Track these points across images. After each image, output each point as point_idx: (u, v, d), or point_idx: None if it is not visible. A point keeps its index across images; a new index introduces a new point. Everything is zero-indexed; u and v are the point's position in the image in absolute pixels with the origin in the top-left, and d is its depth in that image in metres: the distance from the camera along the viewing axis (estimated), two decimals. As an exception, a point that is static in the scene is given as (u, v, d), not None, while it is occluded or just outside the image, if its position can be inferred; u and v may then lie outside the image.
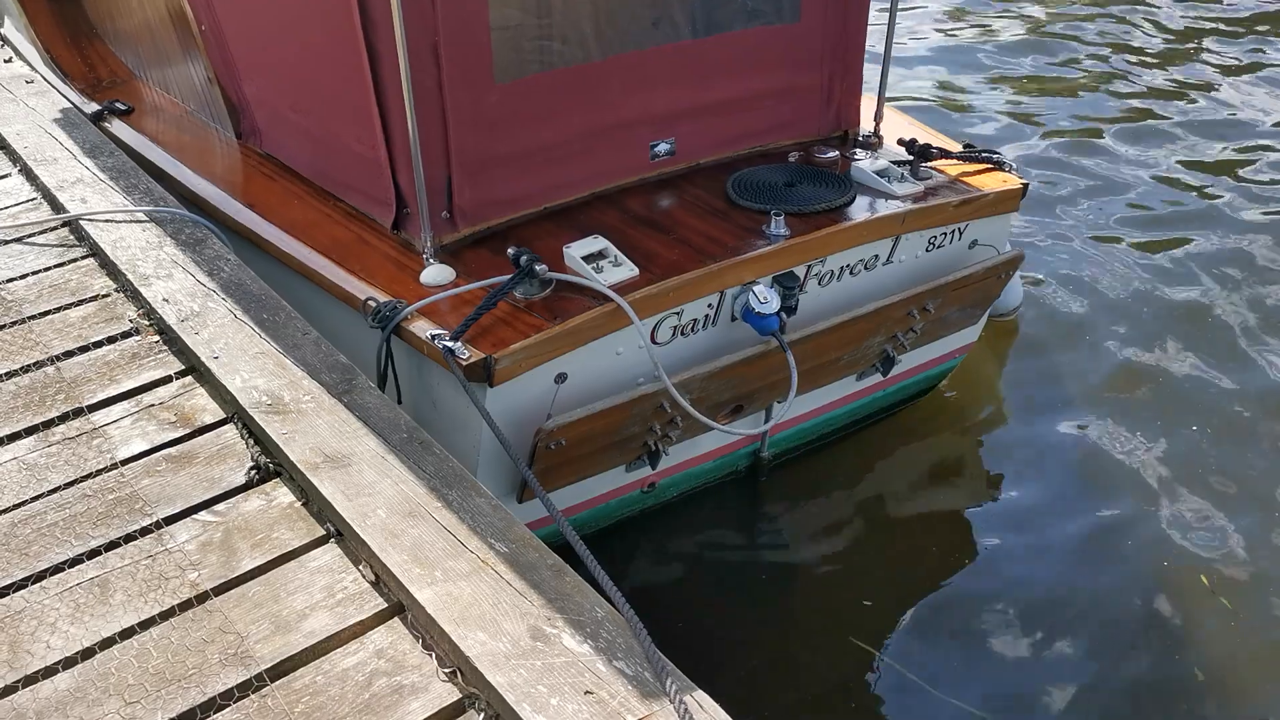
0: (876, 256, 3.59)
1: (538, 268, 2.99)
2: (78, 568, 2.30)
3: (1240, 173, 6.10)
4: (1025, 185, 3.79)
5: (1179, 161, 6.23)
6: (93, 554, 2.33)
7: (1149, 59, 7.65)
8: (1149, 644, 3.34)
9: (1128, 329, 4.75)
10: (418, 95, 3.00)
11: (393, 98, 3.12)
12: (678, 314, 3.20)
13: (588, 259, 3.12)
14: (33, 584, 2.26)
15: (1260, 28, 8.21)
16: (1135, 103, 6.98)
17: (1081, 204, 5.77)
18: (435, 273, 3.16)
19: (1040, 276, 5.11)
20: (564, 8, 3.22)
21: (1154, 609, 3.45)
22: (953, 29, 8.30)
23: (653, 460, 3.43)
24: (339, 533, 2.38)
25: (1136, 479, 3.95)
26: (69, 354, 2.99)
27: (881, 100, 4.02)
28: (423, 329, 2.94)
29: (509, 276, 2.99)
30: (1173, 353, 4.61)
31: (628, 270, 3.12)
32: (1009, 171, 3.83)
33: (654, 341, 3.20)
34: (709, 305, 3.25)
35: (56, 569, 2.30)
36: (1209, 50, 7.81)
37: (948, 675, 3.24)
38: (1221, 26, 8.26)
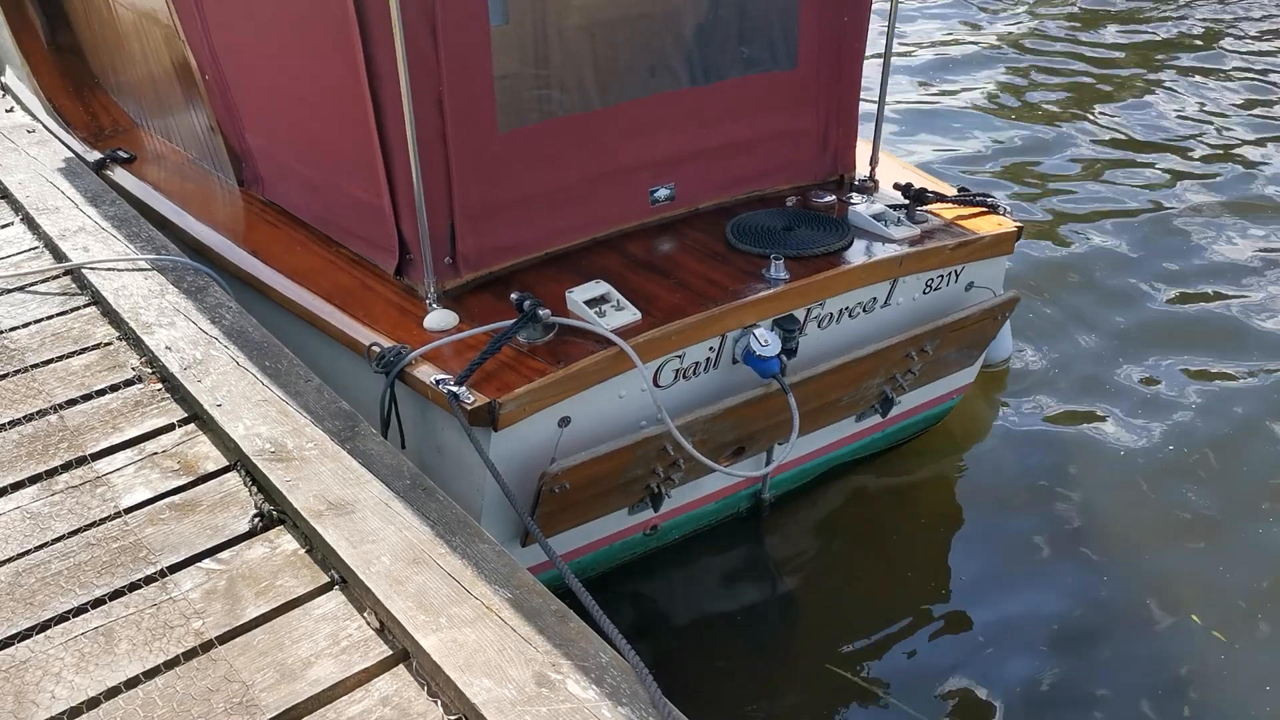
0: (875, 299, 3.61)
1: (541, 312, 3.01)
2: (82, 617, 2.29)
3: (1237, 206, 6.16)
4: (1020, 228, 3.83)
5: (1177, 199, 6.29)
6: (97, 603, 2.33)
7: (1140, 97, 7.75)
8: (1145, 681, 3.34)
9: (1120, 367, 4.78)
10: (421, 144, 3.04)
11: (396, 146, 3.15)
12: (680, 357, 3.22)
13: (590, 303, 3.15)
14: (37, 634, 2.25)
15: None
16: (1122, 145, 7.06)
17: (1074, 247, 5.82)
18: (439, 318, 3.18)
19: (1032, 317, 5.14)
20: (563, 57, 3.27)
21: (1147, 647, 3.45)
22: (947, 76, 8.40)
23: (655, 503, 3.43)
24: (343, 580, 2.38)
25: (1128, 517, 3.97)
26: (72, 402, 3.00)
27: (877, 145, 4.07)
28: (427, 374, 2.95)
29: (512, 321, 3.01)
30: (1167, 392, 4.63)
31: (630, 314, 3.14)
32: (1003, 215, 3.87)
33: (656, 385, 3.22)
34: (710, 348, 3.27)
35: (61, 618, 2.29)
36: (1211, 82, 7.91)
37: (957, 716, 3.22)
38: (1223, 60, 8.38)
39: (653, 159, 3.60)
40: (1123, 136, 7.16)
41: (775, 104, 3.80)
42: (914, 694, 3.30)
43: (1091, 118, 7.45)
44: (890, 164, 4.22)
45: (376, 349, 3.06)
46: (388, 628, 2.25)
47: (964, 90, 8.03)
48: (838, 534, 3.93)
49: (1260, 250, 5.77)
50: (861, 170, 4.08)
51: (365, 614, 2.29)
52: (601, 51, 3.34)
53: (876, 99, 3.99)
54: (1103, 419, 4.48)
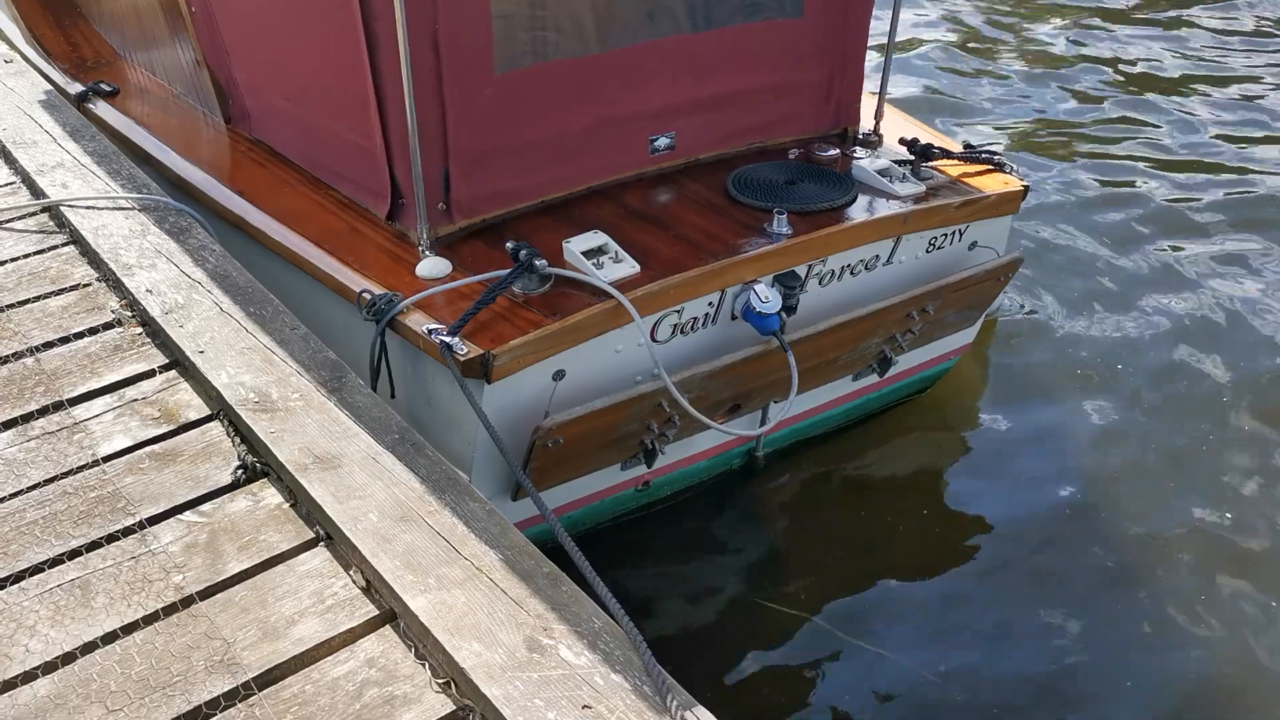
0: (877, 257, 3.53)
1: (537, 262, 2.92)
2: (58, 568, 2.22)
3: (1227, 179, 6.10)
4: (1026, 187, 3.75)
5: (1168, 161, 6.22)
6: (73, 554, 2.25)
7: (1147, 62, 7.64)
8: (1132, 646, 3.33)
9: (1116, 327, 4.74)
10: (415, 84, 2.92)
11: (390, 87, 3.04)
12: (678, 312, 3.13)
13: (588, 254, 3.06)
14: (11, 584, 2.18)
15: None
16: (1127, 107, 6.96)
17: (1070, 205, 5.74)
18: (431, 265, 3.08)
19: (1029, 272, 5.08)
20: None
21: (1138, 608, 3.44)
22: (953, 30, 8.27)
23: (648, 459, 3.37)
24: (328, 536, 2.31)
25: (1126, 476, 3.95)
26: (49, 345, 2.90)
27: (882, 98, 3.97)
28: (419, 323, 2.87)
29: (507, 271, 2.92)
30: (1164, 350, 4.59)
31: (629, 267, 3.05)
32: (1009, 173, 3.79)
33: (653, 339, 3.14)
34: (709, 304, 3.19)
35: (36, 569, 2.21)
36: (1218, 56, 7.81)
37: (959, 677, 3.20)
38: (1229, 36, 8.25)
39: (652, 107, 3.49)
40: (1123, 85, 7.06)
41: (779, 53, 3.68)
42: (908, 650, 3.28)
43: (1095, 68, 7.34)
44: (895, 118, 4.11)
45: (367, 296, 2.97)
46: (374, 587, 2.18)
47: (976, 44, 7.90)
48: (830, 492, 3.89)
49: (1254, 206, 5.72)
50: (866, 124, 3.97)
51: (351, 572, 2.22)
52: None
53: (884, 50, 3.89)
54: (1097, 374, 4.44)
